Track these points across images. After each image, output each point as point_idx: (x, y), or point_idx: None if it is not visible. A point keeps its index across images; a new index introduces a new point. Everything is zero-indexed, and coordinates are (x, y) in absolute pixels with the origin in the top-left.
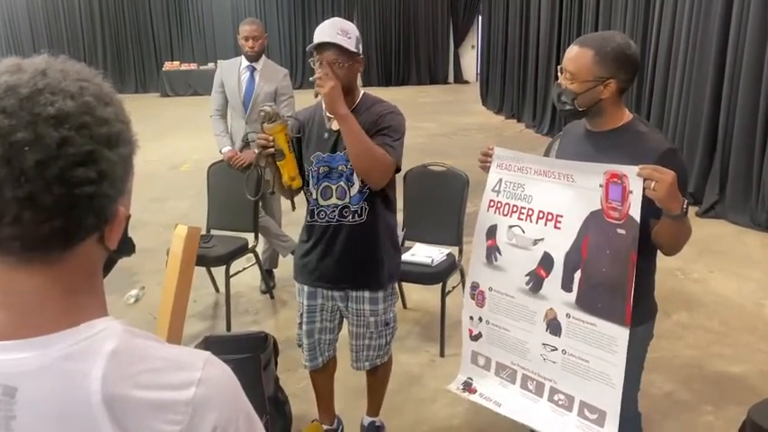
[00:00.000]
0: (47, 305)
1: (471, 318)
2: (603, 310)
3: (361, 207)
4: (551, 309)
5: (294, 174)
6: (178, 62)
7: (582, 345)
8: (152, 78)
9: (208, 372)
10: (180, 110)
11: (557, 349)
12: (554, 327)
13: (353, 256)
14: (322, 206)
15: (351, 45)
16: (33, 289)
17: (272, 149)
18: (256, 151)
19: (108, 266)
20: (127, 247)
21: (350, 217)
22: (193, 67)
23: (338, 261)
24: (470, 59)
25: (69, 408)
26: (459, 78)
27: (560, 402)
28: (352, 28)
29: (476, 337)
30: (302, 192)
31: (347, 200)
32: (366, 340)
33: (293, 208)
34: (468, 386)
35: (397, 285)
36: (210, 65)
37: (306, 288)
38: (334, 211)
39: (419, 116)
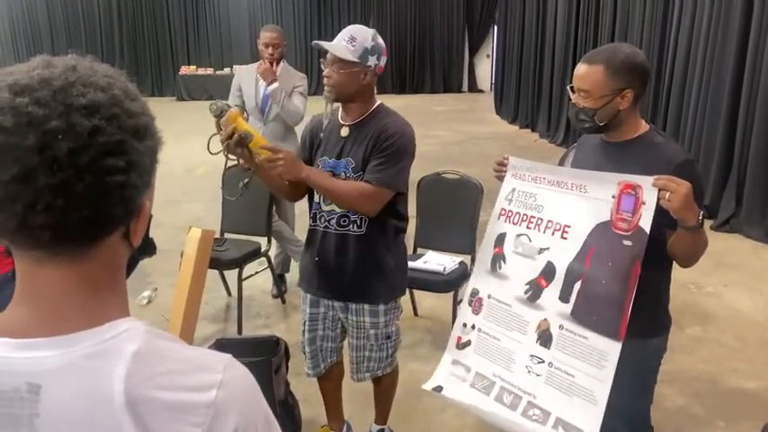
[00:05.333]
0: (71, 303)
1: (464, 325)
2: (597, 323)
3: (361, 218)
4: (545, 319)
5: (264, 141)
6: (194, 66)
7: (570, 358)
8: (168, 82)
9: (228, 374)
10: (196, 114)
11: (543, 361)
12: (545, 338)
13: (351, 268)
14: (324, 210)
15: (350, 54)
16: (59, 285)
17: (237, 136)
18: (222, 147)
19: (130, 267)
20: (148, 247)
21: (350, 227)
22: (210, 72)
23: (336, 271)
24: (485, 69)
25: (92, 407)
26: (474, 87)
27: (534, 417)
28: (364, 37)
29: (462, 346)
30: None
31: (338, 203)
32: (366, 352)
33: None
34: (438, 390)
35: (401, 299)
36: (226, 70)
37: (308, 296)
38: (333, 218)
39: (433, 124)
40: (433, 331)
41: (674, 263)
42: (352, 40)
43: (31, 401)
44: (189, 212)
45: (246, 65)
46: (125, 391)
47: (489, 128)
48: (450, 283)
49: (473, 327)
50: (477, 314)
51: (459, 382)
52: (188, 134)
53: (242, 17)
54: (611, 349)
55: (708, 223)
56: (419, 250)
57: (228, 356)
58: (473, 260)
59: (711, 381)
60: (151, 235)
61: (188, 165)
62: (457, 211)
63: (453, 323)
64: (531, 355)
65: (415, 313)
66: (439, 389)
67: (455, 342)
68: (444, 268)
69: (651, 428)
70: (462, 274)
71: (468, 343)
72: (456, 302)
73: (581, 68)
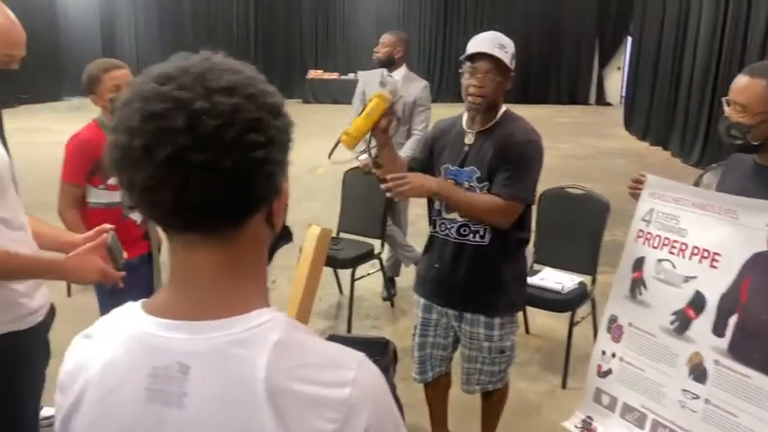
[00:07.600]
0: (220, 288)
1: (603, 352)
2: (761, 362)
3: (484, 228)
4: (697, 353)
5: (357, 127)
6: (321, 70)
7: (731, 397)
8: (297, 85)
9: (361, 372)
10: (321, 116)
11: (699, 398)
12: (698, 373)
13: (469, 278)
14: (444, 218)
15: (506, 59)
16: (209, 270)
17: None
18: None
19: (270, 255)
20: (285, 234)
21: (470, 236)
22: (335, 76)
23: (453, 280)
24: (614, 81)
25: (235, 392)
26: (602, 100)
27: None
28: (509, 43)
29: (604, 374)
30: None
31: (468, 218)
32: (478, 364)
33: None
34: (587, 425)
35: (519, 314)
36: (351, 75)
37: (422, 301)
38: (453, 227)
39: (556, 136)
40: (543, 350)
41: None
42: (502, 48)
43: (180, 380)
44: (309, 210)
45: (370, 70)
46: (266, 379)
47: (616, 143)
48: (568, 303)
49: (613, 355)
50: (617, 342)
51: (608, 412)
52: (312, 136)
53: (369, 23)
54: None
55: None
56: (535, 266)
57: (362, 354)
58: (594, 281)
59: None
60: None
61: (309, 165)
62: (580, 228)
63: (568, 345)
64: (684, 390)
65: (527, 331)
66: (588, 421)
67: (596, 370)
68: (562, 287)
69: None
70: (581, 295)
71: (609, 371)
72: (572, 324)
73: (740, 80)
